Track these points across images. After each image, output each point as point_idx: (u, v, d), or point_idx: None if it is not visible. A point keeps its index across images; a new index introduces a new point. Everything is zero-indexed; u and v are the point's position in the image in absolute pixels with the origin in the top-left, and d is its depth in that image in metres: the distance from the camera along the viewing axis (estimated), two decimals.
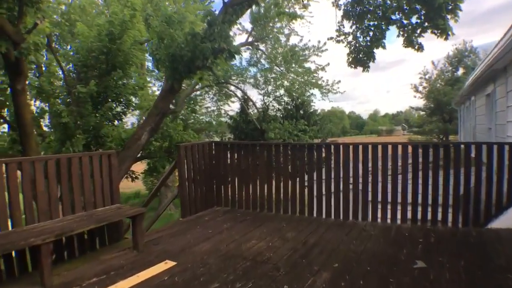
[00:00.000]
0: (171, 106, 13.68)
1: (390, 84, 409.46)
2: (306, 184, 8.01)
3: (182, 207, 8.41)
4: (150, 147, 13.64)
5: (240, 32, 24.12)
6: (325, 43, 24.62)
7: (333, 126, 43.55)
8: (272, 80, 26.63)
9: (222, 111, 31.09)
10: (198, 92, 30.13)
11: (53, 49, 13.59)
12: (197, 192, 8.67)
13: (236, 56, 10.59)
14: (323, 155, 7.94)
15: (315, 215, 7.93)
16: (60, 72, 13.65)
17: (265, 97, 28.31)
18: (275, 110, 29.53)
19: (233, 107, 71.91)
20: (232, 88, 28.34)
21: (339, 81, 26.35)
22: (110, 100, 13.54)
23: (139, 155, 13.49)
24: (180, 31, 10.70)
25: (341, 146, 7.62)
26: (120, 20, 12.84)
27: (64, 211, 6.21)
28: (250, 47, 24.51)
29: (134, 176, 14.12)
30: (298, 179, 8.15)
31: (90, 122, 12.85)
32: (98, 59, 13.32)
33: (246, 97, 28.09)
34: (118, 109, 14.03)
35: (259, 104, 29.21)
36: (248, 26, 24.39)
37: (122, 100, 13.69)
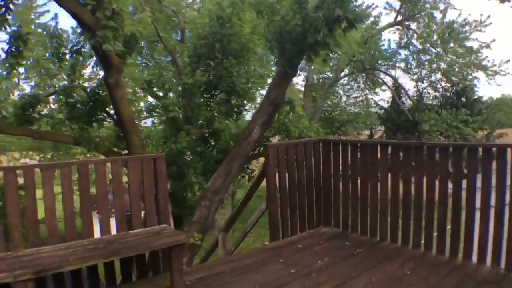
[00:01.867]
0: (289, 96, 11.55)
1: None
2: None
3: (271, 228, 6.26)
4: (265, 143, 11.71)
5: (388, 11, 21.15)
6: (489, 16, 20.28)
7: (502, 116, 37.42)
8: (426, 63, 22.96)
9: (372, 101, 28.13)
10: (344, 81, 27.74)
11: (162, 39, 12.31)
12: (294, 208, 6.43)
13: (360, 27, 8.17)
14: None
15: (460, 257, 5.08)
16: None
17: (419, 83, 24.65)
18: (430, 98, 25.72)
19: (384, 96, 67.71)
20: (381, 75, 25.27)
21: (508, 61, 21.31)
22: (223, 91, 11.81)
23: (253, 152, 11.64)
24: None
25: None
26: (229, 1, 11.08)
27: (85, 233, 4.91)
28: (399, 27, 21.35)
29: (252, 175, 12.26)
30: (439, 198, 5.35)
31: (200, 116, 11.28)
32: (209, 46, 11.72)
33: (397, 84, 24.79)
34: (234, 101, 12.25)
35: (412, 92, 25.68)
36: (396, 4, 21.26)
37: (238, 91, 11.84)
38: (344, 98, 28.72)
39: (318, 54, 9.34)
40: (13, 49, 10.54)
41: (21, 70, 14.16)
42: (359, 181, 6.18)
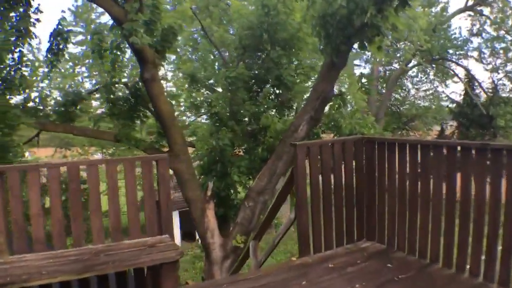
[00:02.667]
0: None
1: None
2: None
3: (300, 241, 5.30)
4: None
5: None
6: None
7: None
8: (501, 51, 20.86)
9: (443, 94, 26.10)
10: (413, 73, 25.97)
11: (206, 31, 11.59)
12: (329, 218, 5.42)
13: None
14: None
15: None
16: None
17: (493, 74, 22.44)
18: (507, 90, 23.40)
19: (455, 88, 63.64)
20: (452, 66, 23.32)
21: None
22: (270, 85, 10.94)
23: None
24: None
25: None
26: None
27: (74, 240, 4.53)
28: (470, 12, 19.50)
29: None
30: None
31: (245, 111, 10.49)
32: (255, 37, 10.89)
33: (469, 75, 22.74)
34: (282, 95, 11.34)
35: (486, 83, 23.50)
36: None
37: (286, 84, 10.91)
38: (412, 91, 26.90)
39: (371, 40, 8.27)
40: (53, 47, 10.33)
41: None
42: (407, 189, 5.07)
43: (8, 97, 10.38)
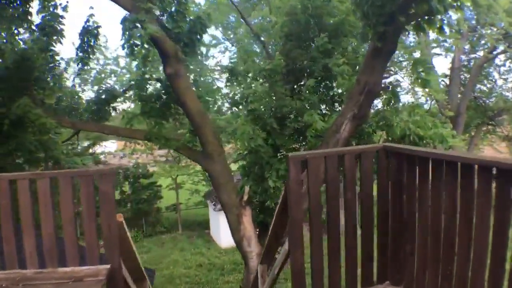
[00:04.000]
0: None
1: None
2: None
3: (294, 283, 3.95)
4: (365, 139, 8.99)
5: None
6: None
7: None
8: None
9: None
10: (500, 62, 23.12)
11: (246, 20, 10.36)
12: (335, 253, 4.01)
13: None
14: None
15: None
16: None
17: None
18: None
19: None
20: None
21: None
22: (315, 77, 9.50)
23: None
24: None
25: None
26: None
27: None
28: None
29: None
30: None
31: (284, 107, 9.19)
32: (298, 23, 9.54)
33: None
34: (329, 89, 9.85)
35: None
36: None
37: (335, 75, 9.40)
38: (500, 82, 23.92)
39: (430, 19, 6.69)
40: (84, 44, 9.83)
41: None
42: (442, 224, 3.53)
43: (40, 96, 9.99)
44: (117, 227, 3.82)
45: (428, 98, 20.59)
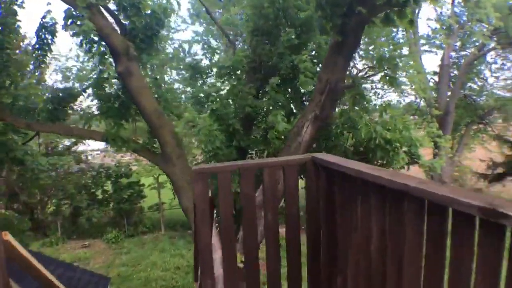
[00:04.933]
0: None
1: None
2: None
3: None
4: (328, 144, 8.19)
5: None
6: None
7: None
8: None
9: None
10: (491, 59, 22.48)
11: (210, 13, 9.65)
12: (254, 281, 3.36)
13: None
14: None
15: None
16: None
17: None
18: None
19: None
20: None
21: None
22: (281, 74, 8.83)
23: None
24: None
25: None
26: None
27: None
28: None
29: None
30: None
31: (246, 106, 8.51)
32: (266, 18, 8.86)
33: None
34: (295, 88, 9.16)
35: None
36: None
37: (302, 72, 8.70)
38: (491, 80, 23.23)
39: (401, 11, 6.07)
40: (40, 42, 9.20)
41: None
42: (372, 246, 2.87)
43: None
44: (1, 246, 3.16)
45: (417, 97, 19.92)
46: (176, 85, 11.14)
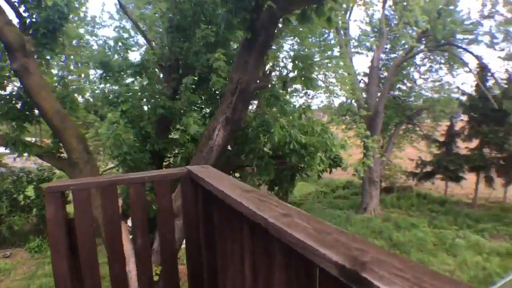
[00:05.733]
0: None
1: None
2: None
3: None
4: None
5: None
6: None
7: None
8: None
9: (453, 85, 22.95)
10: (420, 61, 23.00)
11: (126, 10, 8.94)
12: None
13: None
14: None
15: None
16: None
17: (507, 63, 19.10)
18: None
19: (468, 79, 59.27)
20: (462, 54, 20.17)
21: None
22: (197, 73, 8.26)
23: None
24: None
25: None
26: None
27: None
28: None
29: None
30: None
31: (158, 107, 7.86)
32: (182, 13, 8.28)
33: (481, 64, 19.57)
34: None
35: (500, 74, 20.32)
36: None
37: (217, 71, 8.15)
38: (419, 82, 23.83)
39: (319, 8, 5.65)
40: None
41: None
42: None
43: None
44: None
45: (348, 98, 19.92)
46: (103, 85, 10.28)
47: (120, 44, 8.81)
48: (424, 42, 19.29)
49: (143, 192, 2.95)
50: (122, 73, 8.48)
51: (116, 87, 8.47)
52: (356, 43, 21.16)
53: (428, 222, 18.70)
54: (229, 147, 8.20)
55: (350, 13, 19.43)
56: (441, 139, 23.33)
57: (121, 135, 7.27)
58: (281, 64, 14.05)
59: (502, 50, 18.74)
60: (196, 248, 3.05)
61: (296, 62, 6.86)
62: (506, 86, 19.24)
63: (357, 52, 21.78)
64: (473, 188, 22.31)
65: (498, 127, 20.20)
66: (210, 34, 7.82)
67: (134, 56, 20.71)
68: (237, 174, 9.63)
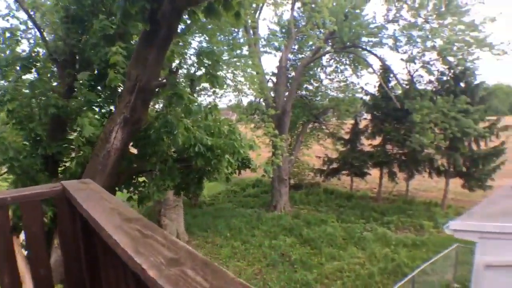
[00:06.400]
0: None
1: None
2: None
3: None
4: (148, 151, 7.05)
5: None
6: None
7: (499, 103, 32.56)
8: (418, 40, 18.37)
9: (357, 85, 23.65)
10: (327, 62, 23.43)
11: None
12: None
13: None
14: None
15: None
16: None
17: (409, 65, 19.92)
18: (423, 82, 21.14)
19: (371, 79, 62.15)
20: (367, 56, 20.77)
21: None
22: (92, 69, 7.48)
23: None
24: None
25: None
26: None
27: None
28: None
29: (138, 195, 7.74)
30: None
31: (49, 106, 6.97)
32: (83, 4, 7.46)
33: (384, 66, 20.25)
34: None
35: (402, 75, 21.24)
36: None
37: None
38: (326, 82, 24.34)
39: (227, 4, 5.16)
40: None
41: None
42: None
43: None
44: None
45: (257, 97, 19.75)
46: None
47: (8, 34, 7.79)
48: (330, 43, 19.54)
49: (5, 218, 2.33)
50: (8, 68, 7.47)
51: (6, 83, 7.44)
52: (265, 43, 20.98)
53: (337, 217, 19.05)
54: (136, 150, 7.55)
55: (260, 12, 19.27)
56: (346, 137, 23.95)
57: (6, 138, 6.36)
58: (189, 61, 13.47)
59: (405, 52, 19.47)
60: (72, 277, 2.47)
61: (202, 58, 6.36)
62: (408, 86, 20.03)
63: (266, 52, 21.62)
64: (377, 183, 23.22)
65: (399, 125, 21.12)
66: (109, 26, 7.08)
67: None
68: (142, 179, 8.89)
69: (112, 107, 8.10)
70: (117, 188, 7.34)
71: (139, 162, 7.45)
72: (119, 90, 7.78)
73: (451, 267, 12.04)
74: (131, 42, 7.77)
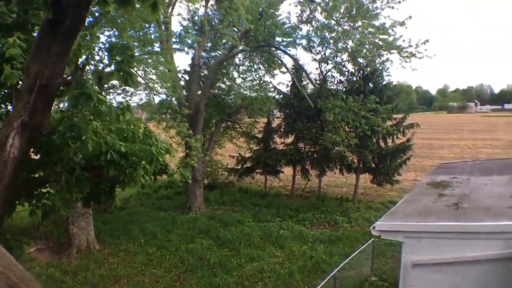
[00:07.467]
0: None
1: None
2: None
3: None
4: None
5: None
6: None
7: (399, 102, 34.90)
8: (331, 41, 18.56)
9: (270, 85, 23.53)
10: (240, 61, 23.09)
11: None
12: None
13: None
14: None
15: None
16: None
17: (322, 65, 20.12)
18: (335, 82, 21.52)
19: (284, 79, 63.24)
20: (280, 55, 20.67)
21: (427, 41, 16.43)
22: None
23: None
24: None
25: None
26: None
27: None
28: None
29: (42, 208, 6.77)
30: None
31: None
32: None
33: (297, 65, 20.26)
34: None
35: (314, 75, 21.41)
36: None
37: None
38: (239, 81, 23.98)
39: None
40: None
41: None
42: None
43: None
44: None
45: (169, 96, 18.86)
46: None
47: None
48: (244, 42, 19.18)
49: None
50: None
51: None
52: (177, 39, 20.12)
53: (253, 216, 18.78)
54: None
55: (173, 7, 18.39)
56: (260, 135, 23.80)
57: None
58: (97, 57, 12.37)
59: (318, 53, 19.63)
60: None
61: (113, 53, 5.57)
62: (320, 86, 20.23)
63: (178, 49, 20.78)
64: (290, 180, 23.33)
65: (311, 123, 21.33)
66: (7, 13, 6.05)
67: None
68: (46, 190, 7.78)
69: (10, 108, 7.00)
70: (17, 202, 6.30)
71: (43, 171, 6.46)
72: (18, 88, 6.73)
73: (368, 261, 12.18)
74: (32, 33, 6.72)
